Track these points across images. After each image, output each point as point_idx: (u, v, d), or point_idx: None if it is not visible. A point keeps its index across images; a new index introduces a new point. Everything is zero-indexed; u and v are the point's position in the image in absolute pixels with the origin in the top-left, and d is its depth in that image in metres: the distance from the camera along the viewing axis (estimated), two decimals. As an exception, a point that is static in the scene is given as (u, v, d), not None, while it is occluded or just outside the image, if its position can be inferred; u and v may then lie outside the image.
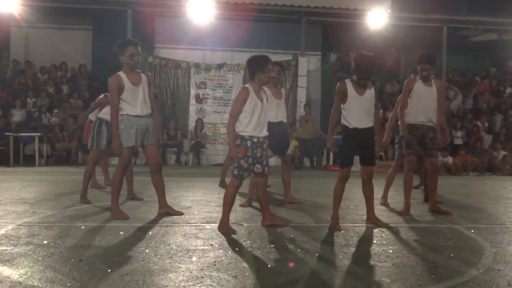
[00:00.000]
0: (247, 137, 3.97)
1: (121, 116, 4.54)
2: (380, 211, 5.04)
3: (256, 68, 4.00)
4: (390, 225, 4.44)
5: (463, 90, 14.84)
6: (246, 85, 4.05)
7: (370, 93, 4.28)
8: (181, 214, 4.80)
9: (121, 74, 4.56)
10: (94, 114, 6.50)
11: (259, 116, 3.99)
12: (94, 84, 13.24)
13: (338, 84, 4.34)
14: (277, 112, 5.50)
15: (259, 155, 4.03)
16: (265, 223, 4.32)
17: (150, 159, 4.79)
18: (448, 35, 13.67)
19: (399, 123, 5.33)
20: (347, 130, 4.33)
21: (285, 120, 5.64)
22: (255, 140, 4.00)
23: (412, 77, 5.75)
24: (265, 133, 4.08)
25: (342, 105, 4.31)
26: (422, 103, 5.07)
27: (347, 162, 4.34)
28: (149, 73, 4.85)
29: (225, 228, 4.03)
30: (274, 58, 9.76)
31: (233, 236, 3.89)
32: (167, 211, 4.81)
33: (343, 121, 4.35)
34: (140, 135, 4.58)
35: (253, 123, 3.96)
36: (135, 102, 4.52)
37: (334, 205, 4.32)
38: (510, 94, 14.73)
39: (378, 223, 4.41)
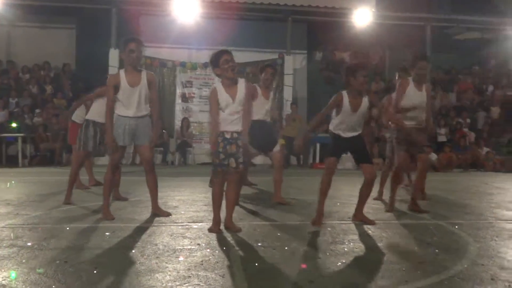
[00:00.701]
0: (219, 133, 3.92)
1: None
2: (366, 208, 4.96)
3: (213, 66, 3.97)
4: (376, 222, 4.45)
5: (447, 88, 15.00)
6: (215, 85, 4.01)
7: (364, 106, 4.27)
8: (169, 215, 4.70)
9: (121, 72, 4.49)
10: (79, 115, 6.40)
11: (230, 112, 3.89)
12: (78, 84, 13.05)
13: (336, 95, 4.28)
14: (264, 111, 5.50)
15: (234, 150, 3.92)
16: (225, 227, 4.06)
17: (141, 159, 4.80)
18: (431, 33, 13.78)
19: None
20: (334, 135, 4.35)
21: (268, 119, 5.62)
22: (227, 136, 3.91)
23: (397, 76, 5.75)
24: (239, 128, 3.93)
25: (333, 114, 4.31)
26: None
27: (332, 152, 4.34)
28: (152, 73, 4.76)
29: (214, 227, 3.98)
30: (260, 56, 9.81)
31: (221, 235, 3.85)
32: (155, 212, 4.74)
33: (331, 126, 4.37)
34: (128, 135, 4.47)
35: (223, 117, 3.91)
36: (127, 103, 4.43)
37: (320, 199, 4.31)
38: (493, 92, 14.93)
39: (365, 221, 4.42)
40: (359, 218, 4.47)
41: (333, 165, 4.31)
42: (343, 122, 4.26)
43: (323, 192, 4.32)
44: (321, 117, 4.39)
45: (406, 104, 5.03)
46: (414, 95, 5.03)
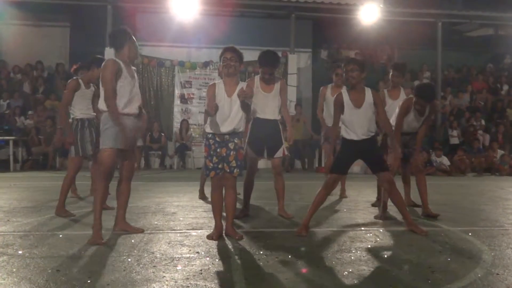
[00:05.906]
0: (210, 135, 3.87)
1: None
2: (367, 214, 4.93)
3: (219, 61, 3.95)
4: (386, 230, 4.17)
5: (459, 87, 14.48)
6: (216, 81, 3.98)
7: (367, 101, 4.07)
8: (141, 231, 4.02)
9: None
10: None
11: (222, 111, 3.78)
12: (73, 84, 12.69)
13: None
14: (266, 107, 4.73)
15: (224, 154, 3.82)
16: (226, 233, 3.92)
17: (123, 163, 4.01)
18: (443, 30, 13.40)
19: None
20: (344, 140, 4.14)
21: (275, 118, 4.83)
22: (217, 139, 3.84)
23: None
24: (228, 128, 3.80)
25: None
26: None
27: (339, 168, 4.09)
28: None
29: (214, 235, 3.82)
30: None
31: (221, 242, 3.72)
32: (124, 229, 4.01)
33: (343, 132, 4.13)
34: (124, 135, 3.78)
35: (214, 118, 3.79)
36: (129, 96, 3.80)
37: (309, 212, 4.11)
38: (508, 92, 14.35)
39: (415, 230, 4.08)
40: (410, 227, 4.17)
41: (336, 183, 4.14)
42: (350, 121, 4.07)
43: (314, 207, 4.14)
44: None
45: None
46: None
